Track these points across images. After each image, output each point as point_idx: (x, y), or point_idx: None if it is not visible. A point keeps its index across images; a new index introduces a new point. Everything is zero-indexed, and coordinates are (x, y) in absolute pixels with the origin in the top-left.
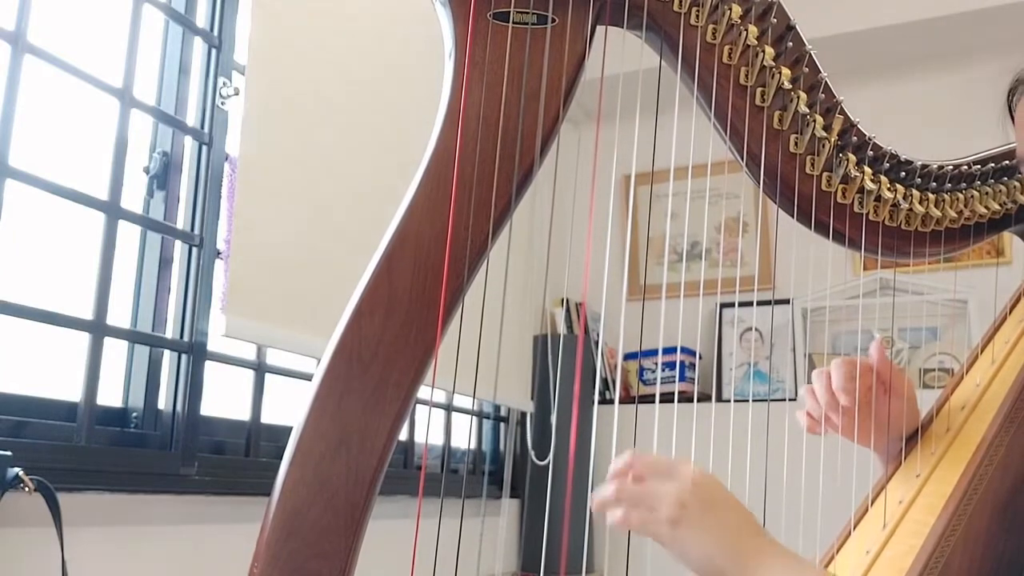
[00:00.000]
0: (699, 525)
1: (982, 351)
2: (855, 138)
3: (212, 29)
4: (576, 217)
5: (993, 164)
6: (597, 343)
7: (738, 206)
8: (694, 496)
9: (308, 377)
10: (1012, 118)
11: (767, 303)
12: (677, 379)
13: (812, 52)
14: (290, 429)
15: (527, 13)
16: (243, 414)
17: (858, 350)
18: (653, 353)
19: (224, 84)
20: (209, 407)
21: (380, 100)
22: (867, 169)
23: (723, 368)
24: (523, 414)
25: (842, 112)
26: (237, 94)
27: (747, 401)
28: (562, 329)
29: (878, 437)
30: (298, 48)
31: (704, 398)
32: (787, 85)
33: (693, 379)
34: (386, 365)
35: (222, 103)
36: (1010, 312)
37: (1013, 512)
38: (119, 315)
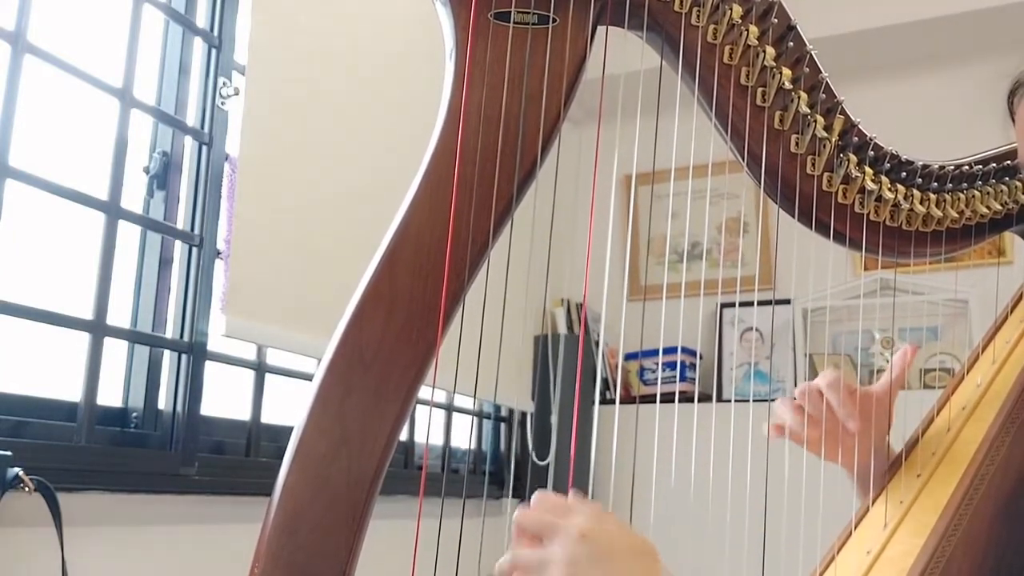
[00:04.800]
0: None
1: (983, 351)
2: (856, 138)
3: (212, 29)
4: (577, 217)
5: (994, 164)
6: (597, 343)
7: (739, 206)
8: (585, 551)
9: (308, 377)
10: (1013, 120)
11: (767, 303)
12: (680, 379)
13: (813, 52)
14: (290, 429)
15: (528, 13)
16: (243, 414)
17: (859, 350)
18: (653, 353)
19: (224, 84)
20: (209, 407)
21: (380, 100)
22: (868, 169)
23: (724, 368)
24: (523, 414)
25: (843, 112)
26: (237, 94)
27: (748, 401)
28: (562, 329)
29: (845, 452)
30: (298, 48)
31: (705, 398)
32: (788, 85)
33: (694, 379)
34: (387, 365)
35: (222, 103)
36: (1011, 312)
37: (1015, 512)
38: (119, 315)
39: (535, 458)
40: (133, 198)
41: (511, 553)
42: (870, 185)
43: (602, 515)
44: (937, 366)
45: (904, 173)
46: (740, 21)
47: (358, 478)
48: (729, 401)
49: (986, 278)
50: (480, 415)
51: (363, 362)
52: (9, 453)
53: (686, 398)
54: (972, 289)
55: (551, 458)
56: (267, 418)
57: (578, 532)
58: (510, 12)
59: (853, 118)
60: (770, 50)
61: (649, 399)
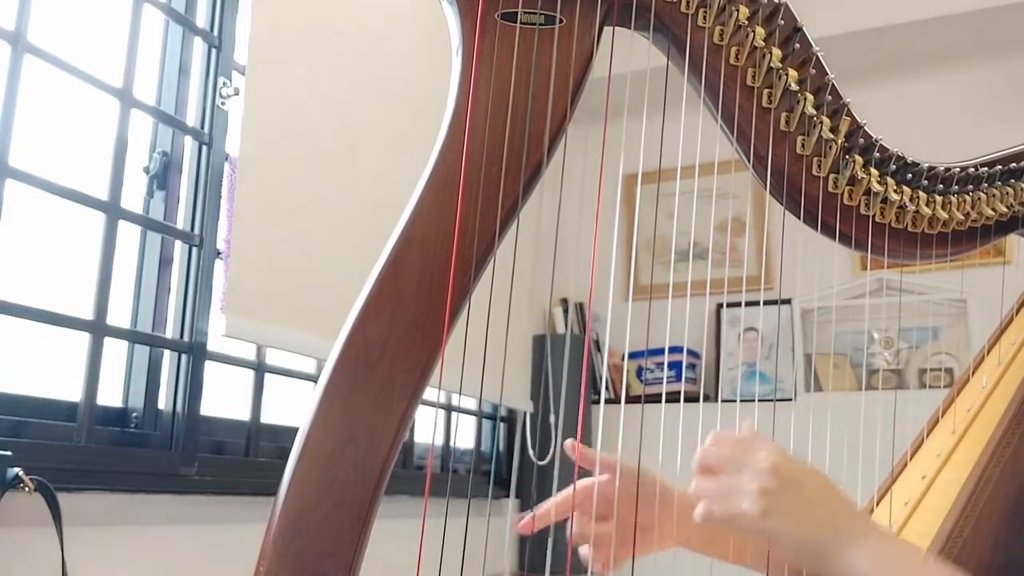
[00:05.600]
0: (787, 511)
1: (988, 353)
2: (862, 140)
3: (212, 29)
4: (579, 217)
5: (1000, 166)
6: (597, 343)
7: (738, 206)
8: (776, 482)
9: (308, 377)
10: None
11: (767, 303)
12: (678, 379)
13: (819, 54)
14: (290, 429)
15: (534, 13)
16: (243, 414)
17: (858, 350)
18: (653, 353)
19: (224, 84)
20: (209, 407)
21: (380, 100)
22: (874, 171)
23: (723, 368)
24: (523, 414)
25: (849, 114)
26: (237, 94)
27: (747, 401)
28: (561, 329)
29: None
30: (298, 48)
31: (704, 398)
32: (794, 87)
33: (693, 379)
34: (393, 365)
35: (222, 103)
36: (1016, 314)
37: (1022, 513)
38: (119, 315)
39: (535, 458)
40: (133, 198)
41: (696, 486)
42: (876, 187)
43: (783, 450)
44: (936, 366)
45: (910, 175)
46: (747, 22)
47: (364, 477)
48: (729, 401)
49: (986, 278)
50: (480, 415)
51: (369, 362)
52: (9, 453)
53: (686, 398)
54: (971, 289)
55: (551, 458)
56: (267, 418)
57: (768, 464)
58: (517, 12)
59: (859, 119)
60: (776, 51)
61: (649, 399)
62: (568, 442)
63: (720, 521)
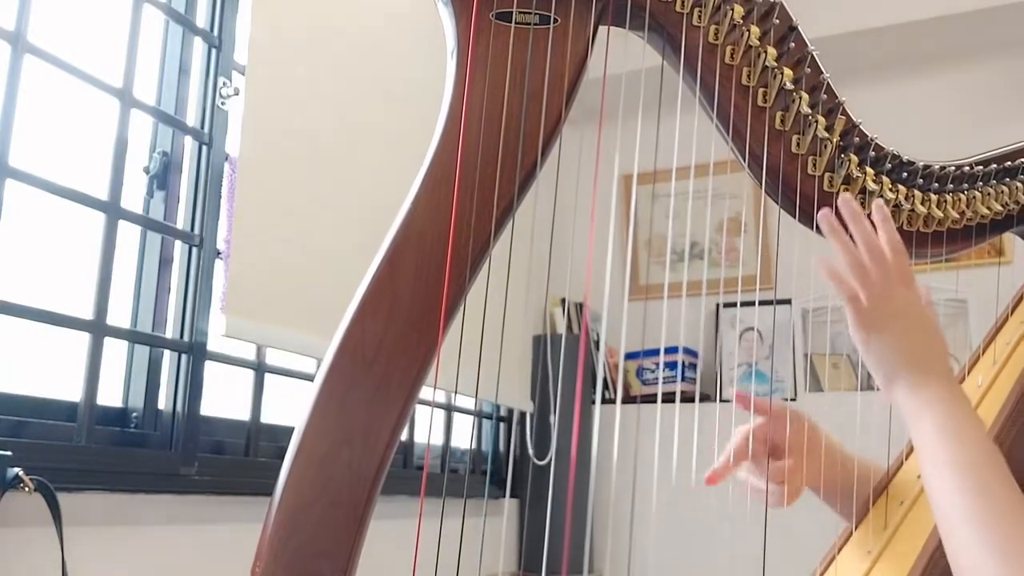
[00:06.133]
0: (891, 336)
1: (984, 352)
2: (857, 139)
3: (212, 29)
4: (576, 217)
5: (995, 165)
6: (597, 343)
7: (738, 206)
8: (901, 323)
9: (308, 377)
10: None
11: (767, 303)
12: (678, 379)
13: (814, 53)
14: (290, 429)
15: (529, 13)
16: (243, 414)
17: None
18: (652, 353)
19: (224, 84)
20: (209, 407)
21: (380, 100)
22: (869, 170)
23: (723, 368)
24: (523, 414)
25: (844, 113)
26: (237, 94)
27: None
28: (561, 329)
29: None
30: (298, 48)
31: (704, 398)
32: (789, 86)
33: (693, 379)
34: (389, 364)
35: (222, 103)
36: (1011, 313)
37: None
38: (119, 315)
39: (535, 458)
40: (133, 198)
41: (849, 262)
42: (871, 186)
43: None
44: None
45: (905, 174)
46: (741, 22)
47: (360, 477)
48: (728, 401)
49: (985, 278)
50: (480, 415)
51: (365, 361)
52: (9, 453)
53: (686, 398)
54: (971, 289)
55: (551, 458)
56: (266, 418)
57: (908, 303)
58: (511, 12)
59: (854, 118)
60: (771, 51)
61: (648, 399)
62: (737, 391)
63: (841, 290)
